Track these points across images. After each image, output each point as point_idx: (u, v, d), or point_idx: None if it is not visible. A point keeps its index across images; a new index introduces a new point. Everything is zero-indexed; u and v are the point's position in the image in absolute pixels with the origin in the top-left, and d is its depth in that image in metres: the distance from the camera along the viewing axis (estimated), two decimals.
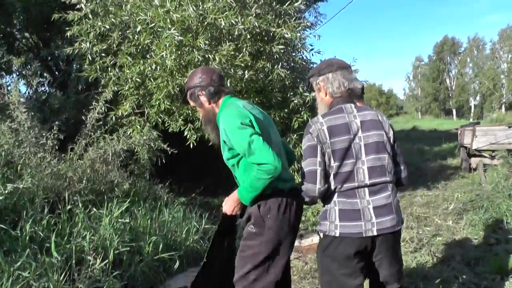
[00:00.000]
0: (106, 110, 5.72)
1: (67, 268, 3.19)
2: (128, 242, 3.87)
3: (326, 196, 2.36)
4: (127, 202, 4.42)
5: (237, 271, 2.54)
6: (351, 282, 2.33)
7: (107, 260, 3.41)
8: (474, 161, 11.21)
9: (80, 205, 4.07)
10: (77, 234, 3.73)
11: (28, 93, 8.47)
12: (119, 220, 4.09)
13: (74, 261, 3.27)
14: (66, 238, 3.63)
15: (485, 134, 11.20)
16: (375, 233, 2.27)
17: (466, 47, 53.69)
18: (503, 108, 46.21)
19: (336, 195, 2.32)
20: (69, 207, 4.09)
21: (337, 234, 2.29)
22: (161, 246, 4.13)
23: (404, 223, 6.13)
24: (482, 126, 12.51)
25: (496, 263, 4.26)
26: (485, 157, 11.19)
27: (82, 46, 6.33)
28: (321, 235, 2.41)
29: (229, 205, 2.59)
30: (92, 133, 5.26)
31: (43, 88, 8.95)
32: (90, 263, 3.25)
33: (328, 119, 2.33)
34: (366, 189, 2.30)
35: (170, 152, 5.86)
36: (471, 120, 42.24)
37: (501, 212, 6.06)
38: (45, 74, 8.95)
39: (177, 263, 4.07)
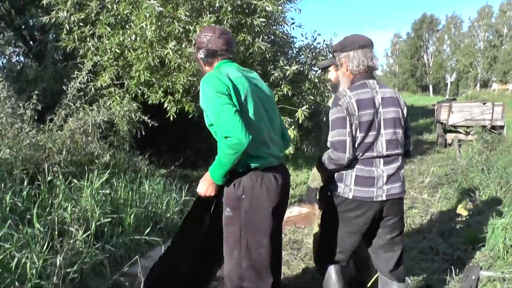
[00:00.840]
0: (89, 79, 5.61)
1: (49, 239, 3.17)
2: (109, 213, 3.86)
3: None
4: (107, 173, 4.38)
5: (227, 259, 2.44)
6: (351, 239, 2.62)
7: (89, 232, 3.40)
8: (449, 136, 11.47)
9: (61, 176, 4.03)
10: (58, 205, 3.69)
11: (2, 63, 8.25)
12: (100, 191, 4.06)
13: (56, 233, 3.25)
14: (47, 209, 3.60)
15: (461, 110, 11.46)
16: (384, 198, 2.51)
17: (444, 25, 54.13)
18: (478, 86, 46.99)
19: (355, 162, 2.50)
20: (49, 178, 4.04)
21: (350, 197, 2.52)
22: (142, 218, 4.15)
23: None
24: (458, 102, 12.77)
25: (469, 234, 4.42)
26: (460, 132, 11.47)
27: (59, 15, 6.17)
28: (334, 194, 2.60)
29: (201, 186, 2.41)
30: (72, 104, 5.16)
31: (17, 58, 8.71)
32: (73, 234, 3.23)
33: (355, 93, 2.49)
34: (382, 159, 2.52)
35: (150, 125, 5.80)
36: (447, 96, 42.93)
37: (475, 185, 6.25)
38: (19, 44, 8.69)
39: (158, 235, 4.09)
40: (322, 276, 2.77)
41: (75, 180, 4.08)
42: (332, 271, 2.72)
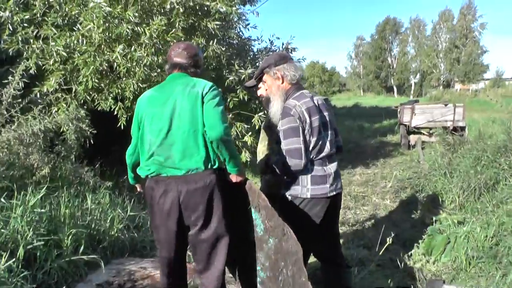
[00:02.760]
0: (23, 86, 5.16)
1: None
2: (45, 234, 3.48)
3: None
4: (43, 189, 3.96)
5: None
6: (314, 237, 2.82)
7: (14, 258, 3.00)
8: (413, 138, 11.53)
9: None
10: None
11: None
12: (36, 209, 3.67)
13: None
14: None
15: (423, 112, 11.52)
16: (334, 193, 2.80)
17: (408, 27, 55.07)
18: (441, 86, 47.95)
19: (311, 164, 2.73)
20: None
21: (308, 196, 2.73)
22: (83, 237, 3.76)
23: (342, 203, 6.12)
24: (420, 104, 12.87)
25: (431, 244, 4.25)
26: (423, 134, 11.51)
27: (0, 15, 5.74)
28: (289, 197, 2.80)
29: None
30: (6, 112, 4.72)
31: None
32: None
33: (303, 102, 2.72)
34: (327, 159, 2.80)
35: (95, 131, 5.43)
36: (411, 97, 43.71)
37: (437, 190, 6.14)
38: None
39: (100, 256, 3.71)
40: None
41: (2, 200, 3.65)
42: None
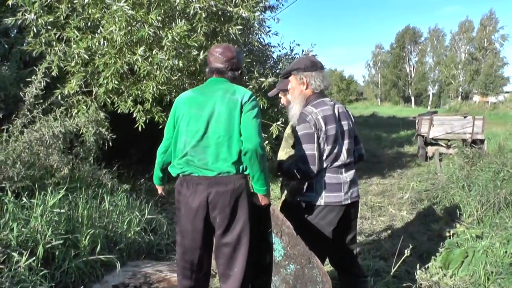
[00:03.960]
0: (44, 86, 5.24)
1: None
2: (63, 234, 3.53)
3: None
4: (63, 189, 4.03)
5: None
6: (326, 245, 2.80)
7: (34, 257, 3.04)
8: (430, 149, 11.38)
9: (10, 193, 3.66)
10: (5, 226, 3.36)
11: None
12: (55, 210, 3.72)
13: None
14: None
15: (441, 123, 11.39)
16: (349, 201, 2.81)
17: (427, 37, 54.74)
18: (459, 98, 47.42)
19: (324, 171, 2.75)
20: None
21: (322, 203, 2.75)
22: (100, 238, 3.81)
23: (359, 212, 6.08)
24: (439, 115, 12.72)
25: (448, 257, 4.19)
26: (441, 146, 11.37)
27: (26, 17, 5.85)
28: (303, 204, 2.80)
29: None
30: (29, 113, 4.80)
31: None
32: (15, 260, 2.91)
33: (321, 110, 2.74)
34: (344, 167, 2.81)
35: (111, 137, 5.48)
36: (429, 107, 43.32)
37: (455, 203, 6.06)
38: None
39: (117, 257, 3.74)
40: None
41: (24, 199, 3.70)
42: None
